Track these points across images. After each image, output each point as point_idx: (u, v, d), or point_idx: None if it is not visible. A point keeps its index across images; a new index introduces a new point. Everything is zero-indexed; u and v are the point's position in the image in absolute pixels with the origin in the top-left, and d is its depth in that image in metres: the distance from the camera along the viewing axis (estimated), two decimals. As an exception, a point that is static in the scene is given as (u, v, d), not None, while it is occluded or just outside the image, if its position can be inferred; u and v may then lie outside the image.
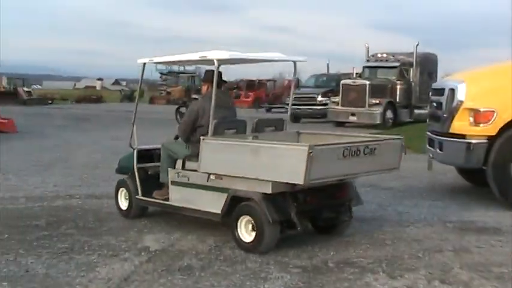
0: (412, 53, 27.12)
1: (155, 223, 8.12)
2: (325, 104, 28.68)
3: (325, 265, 6.45)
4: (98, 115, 33.60)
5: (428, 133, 10.90)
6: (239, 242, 6.92)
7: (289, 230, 6.86)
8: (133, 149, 8.27)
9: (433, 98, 10.91)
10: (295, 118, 30.62)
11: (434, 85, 11.80)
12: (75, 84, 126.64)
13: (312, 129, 24.43)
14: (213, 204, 7.09)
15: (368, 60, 28.56)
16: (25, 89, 50.57)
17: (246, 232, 6.90)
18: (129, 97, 57.19)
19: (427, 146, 10.90)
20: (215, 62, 7.31)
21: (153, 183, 8.05)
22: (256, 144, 6.95)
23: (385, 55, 28.32)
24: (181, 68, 57.92)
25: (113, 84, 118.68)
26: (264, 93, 47.64)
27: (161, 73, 59.73)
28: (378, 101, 26.02)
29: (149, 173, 8.29)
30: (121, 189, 8.45)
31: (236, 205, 6.92)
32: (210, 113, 7.22)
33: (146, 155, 8.38)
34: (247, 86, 49.44)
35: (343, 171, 6.82)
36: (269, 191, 6.61)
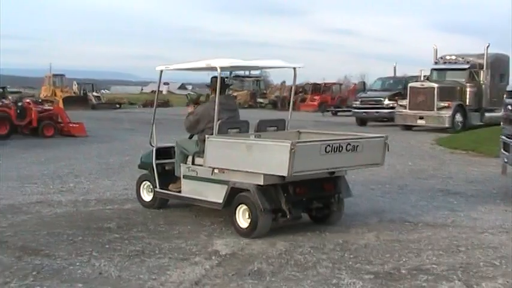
0: (483, 55, 26.43)
1: (225, 227, 8.13)
2: (392, 108, 28.25)
3: (398, 272, 6.32)
4: (165, 119, 33.78)
5: (503, 137, 10.58)
6: (237, 228, 7.77)
7: (282, 218, 7.63)
8: (153, 147, 9.24)
9: (508, 100, 10.59)
10: (361, 121, 30.29)
11: (510, 87, 11.44)
12: (142, 89, 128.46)
13: (374, 132, 24.17)
14: (217, 194, 7.98)
15: (436, 63, 27.98)
16: (94, 93, 51.49)
17: (243, 219, 7.72)
18: (195, 101, 57.63)
19: (502, 150, 10.58)
20: (218, 69, 8.20)
21: (170, 177, 8.94)
22: (249, 142, 7.90)
23: (454, 57, 27.70)
24: (247, 72, 58.22)
25: (179, 88, 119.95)
26: (330, 97, 47.30)
27: (226, 77, 60.13)
28: (447, 104, 25.45)
29: (166, 168, 9.16)
30: (143, 182, 9.44)
31: (235, 195, 7.77)
32: (214, 115, 8.09)
33: (164, 152, 9.31)
34: (313, 89, 49.22)
35: (326, 165, 7.59)
36: (261, 183, 7.46)
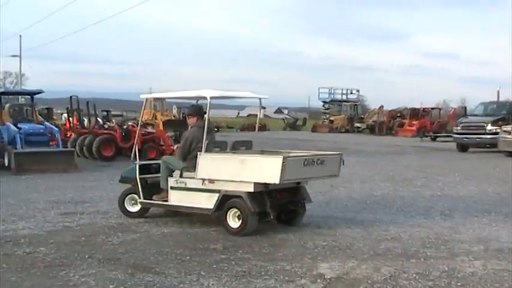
0: None
1: (329, 251, 8.18)
2: (496, 133, 27.47)
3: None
4: (263, 143, 34.35)
5: None
6: (228, 229, 9.28)
7: (264, 219, 9.31)
8: (135, 163, 10.52)
9: None
10: (462, 147, 29.58)
11: None
12: (238, 113, 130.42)
13: (476, 157, 23.45)
14: (207, 202, 9.46)
15: (543, 87, 27.08)
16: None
17: (233, 221, 9.27)
18: (292, 125, 58.04)
19: None
20: (208, 98, 9.79)
21: (152, 189, 10.30)
22: (244, 157, 9.52)
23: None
24: (344, 97, 58.14)
25: (275, 112, 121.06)
26: (429, 122, 46.48)
27: (324, 101, 60.16)
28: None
29: (148, 181, 10.43)
30: (128, 196, 10.60)
31: (226, 201, 9.29)
32: (200, 138, 9.71)
33: (144, 168, 10.57)
34: (411, 114, 48.53)
35: (303, 175, 9.46)
36: (251, 190, 9.07)
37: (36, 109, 26.94)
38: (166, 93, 12.16)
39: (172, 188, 9.93)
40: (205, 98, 9.92)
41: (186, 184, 9.78)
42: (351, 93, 59.45)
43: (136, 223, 10.08)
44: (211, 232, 9.44)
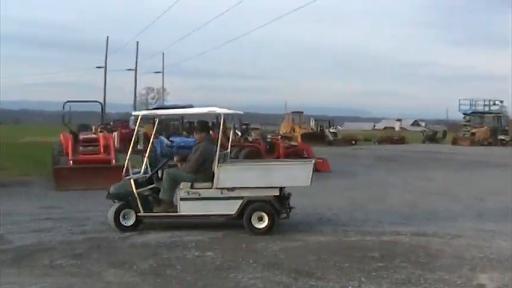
0: None
1: (487, 262, 8.24)
2: None
3: None
4: (403, 156, 34.10)
5: None
6: (252, 229, 10.23)
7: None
8: (129, 179, 10.75)
9: None
10: None
11: None
12: (374, 125, 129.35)
13: None
14: (226, 208, 10.37)
15: None
16: (331, 130, 53.00)
17: (257, 223, 10.26)
18: (431, 138, 56.89)
19: None
20: (221, 115, 11.66)
21: (145, 202, 10.66)
22: (270, 165, 11.29)
23: None
24: (487, 108, 56.30)
25: (412, 125, 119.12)
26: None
27: (464, 113, 58.53)
28: None
29: (145, 194, 10.76)
30: (123, 211, 10.60)
31: (249, 206, 10.26)
32: (211, 152, 10.65)
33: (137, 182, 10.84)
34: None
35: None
36: (277, 194, 10.42)
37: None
38: (170, 110, 13.62)
39: (182, 199, 10.50)
40: (219, 114, 11.52)
41: (200, 194, 10.48)
42: (494, 104, 57.43)
43: (291, 231, 10.53)
44: (366, 241, 9.72)
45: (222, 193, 10.42)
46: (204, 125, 11.41)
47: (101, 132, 21.81)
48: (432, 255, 8.73)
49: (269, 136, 28.57)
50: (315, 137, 49.15)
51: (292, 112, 56.20)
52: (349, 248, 9.24)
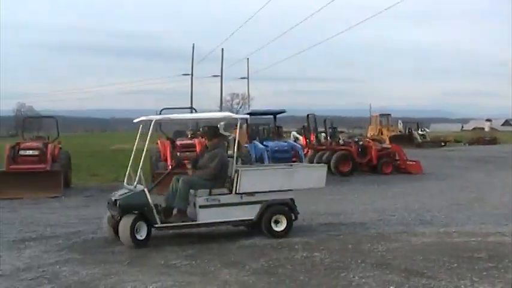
0: None
1: None
2: None
3: None
4: (498, 157, 33.34)
5: None
6: (271, 232, 10.33)
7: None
8: (142, 189, 10.05)
9: None
10: None
11: None
12: (462, 126, 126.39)
13: None
14: (246, 213, 10.30)
15: None
16: (419, 132, 52.28)
17: (276, 226, 10.39)
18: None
19: None
20: (238, 120, 11.12)
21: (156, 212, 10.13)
22: (291, 169, 11.18)
23: None
24: None
25: (503, 125, 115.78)
26: None
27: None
28: None
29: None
30: (137, 224, 9.88)
31: (267, 210, 10.34)
32: (227, 157, 10.66)
33: None
34: None
35: None
36: (292, 196, 10.65)
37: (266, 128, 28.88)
38: (177, 115, 12.37)
39: (202, 206, 10.15)
40: (235, 119, 11.30)
41: (219, 201, 10.24)
42: None
43: (394, 233, 10.66)
44: (471, 242, 9.75)
45: (242, 198, 10.33)
46: (216, 131, 11.06)
47: (192, 137, 22.44)
48: (542, 255, 8.69)
49: (360, 139, 28.56)
50: (403, 139, 48.53)
51: (380, 114, 55.74)
52: (455, 248, 9.29)
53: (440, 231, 10.76)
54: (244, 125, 31.28)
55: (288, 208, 10.60)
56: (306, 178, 10.92)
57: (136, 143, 11.02)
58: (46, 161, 19.35)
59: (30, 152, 19.81)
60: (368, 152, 23.94)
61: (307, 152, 25.87)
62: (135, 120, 11.12)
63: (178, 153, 20.01)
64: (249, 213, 10.36)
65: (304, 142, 28.28)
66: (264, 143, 21.53)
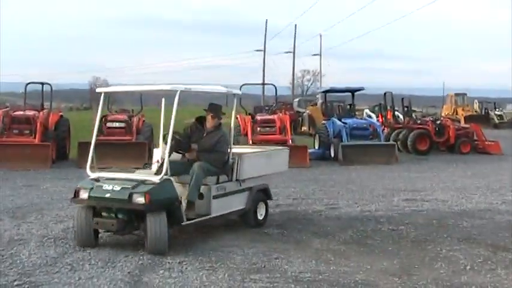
0: None
1: None
2: None
3: None
4: None
5: None
6: (257, 222, 9.40)
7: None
8: (168, 179, 7.91)
9: None
10: None
11: None
12: None
13: None
14: (239, 202, 9.18)
15: None
16: (496, 112, 51.32)
17: (259, 214, 9.48)
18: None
19: None
20: (239, 92, 10.24)
21: None
22: (269, 151, 10.19)
23: None
24: None
25: None
26: None
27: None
28: None
29: None
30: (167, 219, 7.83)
31: (255, 196, 9.38)
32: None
33: None
34: None
35: None
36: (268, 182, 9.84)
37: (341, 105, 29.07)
38: (128, 86, 10.00)
39: (214, 197, 8.67)
40: (175, 91, 8.21)
41: (225, 189, 8.91)
42: None
43: (477, 211, 10.91)
44: None
45: (240, 185, 9.16)
46: (220, 110, 9.16)
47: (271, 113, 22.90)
48: None
49: (437, 118, 28.42)
50: (479, 119, 47.61)
51: (455, 94, 54.90)
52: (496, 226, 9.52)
53: (481, 208, 10.94)
54: (319, 102, 31.56)
55: (267, 194, 9.79)
56: (279, 162, 10.07)
57: (162, 116, 9.04)
58: (131, 133, 20.24)
59: (117, 124, 20.73)
60: (446, 131, 23.88)
61: (383, 129, 25.97)
62: (98, 90, 8.92)
63: (259, 128, 20.59)
64: (242, 201, 9.24)
65: (381, 120, 28.36)
66: (343, 119, 21.76)
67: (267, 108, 27.23)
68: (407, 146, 23.53)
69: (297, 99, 46.45)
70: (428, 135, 23.63)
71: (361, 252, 8.04)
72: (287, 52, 68.45)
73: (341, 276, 6.87)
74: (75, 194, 8.16)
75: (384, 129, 26.01)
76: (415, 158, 21.92)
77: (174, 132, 8.37)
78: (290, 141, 19.76)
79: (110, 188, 7.86)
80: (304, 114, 35.97)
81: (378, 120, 24.53)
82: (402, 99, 27.17)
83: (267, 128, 20.65)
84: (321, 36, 73.86)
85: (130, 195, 7.66)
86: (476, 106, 55.14)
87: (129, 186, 7.75)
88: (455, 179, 15.73)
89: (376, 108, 37.20)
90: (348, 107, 25.52)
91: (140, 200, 7.63)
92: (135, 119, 20.97)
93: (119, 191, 7.78)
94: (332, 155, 20.71)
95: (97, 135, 9.34)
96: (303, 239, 8.78)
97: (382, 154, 20.05)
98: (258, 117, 21.23)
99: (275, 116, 21.58)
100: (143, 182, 7.87)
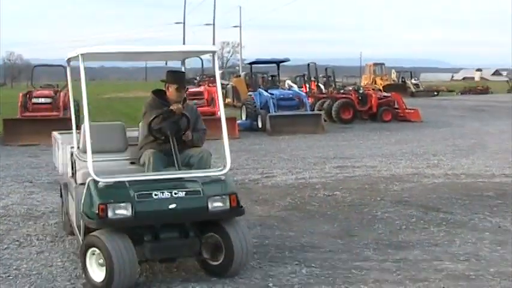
0: None
1: None
2: None
3: None
4: (491, 106, 34.19)
5: None
6: None
7: None
8: (226, 173, 5.96)
9: None
10: None
11: None
12: (452, 76, 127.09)
13: None
14: None
15: None
16: (413, 81, 52.96)
17: None
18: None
19: None
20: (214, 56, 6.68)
21: None
22: None
23: None
24: None
25: (493, 74, 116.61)
26: None
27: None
28: None
29: None
30: None
31: None
32: None
33: None
34: None
35: None
36: None
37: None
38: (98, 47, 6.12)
39: None
40: (214, 52, 6.75)
41: None
42: None
43: (406, 175, 11.47)
44: (478, 183, 10.59)
45: None
46: (185, 78, 6.96)
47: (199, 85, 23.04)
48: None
49: (368, 88, 29.14)
50: (397, 88, 48.82)
51: (374, 63, 56.30)
52: (465, 188, 10.12)
53: (448, 173, 11.57)
54: (243, 74, 31.73)
55: None
56: None
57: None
58: (58, 109, 19.96)
59: (43, 100, 20.43)
60: (368, 100, 24.61)
61: (308, 100, 26.48)
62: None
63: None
64: None
65: (305, 90, 28.92)
66: (269, 91, 22.10)
67: (195, 80, 27.31)
68: (331, 116, 24.14)
69: (220, 71, 46.55)
70: (352, 105, 24.31)
71: (302, 217, 8.39)
72: (207, 24, 68.23)
73: (287, 241, 7.18)
74: (100, 214, 5.42)
75: (308, 100, 26.61)
76: (340, 127, 22.52)
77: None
78: (218, 113, 19.95)
79: (167, 195, 5.58)
80: (228, 86, 36.19)
81: (301, 91, 25.00)
82: (326, 69, 27.79)
83: (195, 101, 20.74)
84: (240, 8, 74.01)
85: (207, 201, 5.70)
86: (394, 75, 56.79)
87: (198, 188, 5.72)
88: (380, 146, 16.35)
89: (298, 79, 37.89)
90: (271, 78, 25.98)
91: (221, 205, 5.75)
92: (61, 94, 20.67)
93: (188, 197, 5.65)
94: (260, 125, 21.03)
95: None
96: (245, 207, 9.03)
97: (309, 124, 20.50)
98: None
99: (202, 88, 21.72)
100: (202, 179, 5.86)
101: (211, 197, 5.70)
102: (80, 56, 5.79)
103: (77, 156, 6.57)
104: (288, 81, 39.32)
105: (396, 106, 25.12)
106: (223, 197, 5.76)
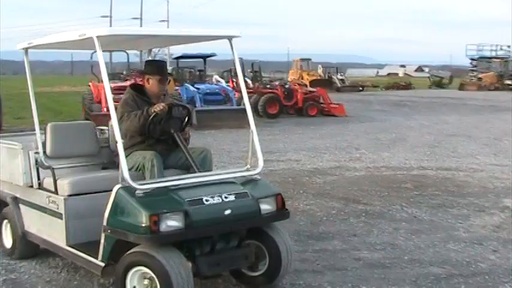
0: None
1: (509, 190, 9.42)
2: None
3: None
4: (414, 101, 35.12)
5: None
6: None
7: None
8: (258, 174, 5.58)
9: None
10: None
11: None
12: (377, 72, 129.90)
13: None
14: None
15: None
16: (339, 76, 53.84)
17: None
18: (437, 84, 57.86)
19: None
20: (95, 38, 4.82)
21: None
22: None
23: None
24: (494, 53, 56.95)
25: (416, 71, 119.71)
26: None
27: (471, 58, 59.11)
28: None
29: None
30: None
31: None
32: None
33: None
34: None
35: None
36: None
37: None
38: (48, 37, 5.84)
39: None
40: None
41: None
42: (501, 49, 58.04)
43: (329, 168, 11.71)
44: (397, 175, 10.92)
45: None
46: (167, 69, 6.69)
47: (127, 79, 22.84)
48: (459, 185, 9.95)
49: (294, 84, 29.44)
50: (323, 83, 49.51)
51: (301, 59, 56.89)
52: (384, 180, 10.42)
53: (369, 166, 11.88)
54: (170, 68, 31.66)
55: None
56: None
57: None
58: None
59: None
60: (294, 95, 24.91)
61: (235, 95, 26.60)
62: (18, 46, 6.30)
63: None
64: None
65: (232, 85, 29.01)
66: (195, 85, 22.09)
67: (122, 75, 27.00)
68: (258, 110, 24.29)
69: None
70: (278, 99, 24.53)
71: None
72: (134, 18, 67.54)
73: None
74: (152, 227, 4.53)
75: (235, 95, 26.73)
76: (266, 121, 22.67)
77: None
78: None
79: (218, 199, 4.91)
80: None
81: (228, 86, 25.10)
82: (252, 64, 27.95)
83: (121, 95, 20.53)
84: (168, 1, 73.52)
85: (258, 204, 5.13)
86: (320, 71, 57.45)
87: (245, 190, 5.15)
88: (305, 140, 16.61)
89: (225, 74, 37.97)
90: (198, 72, 25.95)
91: (270, 207, 5.22)
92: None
93: (239, 201, 5.02)
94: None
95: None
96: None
97: (235, 118, 20.48)
98: (112, 85, 21.06)
99: (129, 83, 21.50)
100: (239, 180, 5.36)
101: (261, 200, 5.13)
102: (95, 38, 4.77)
103: (43, 162, 5.78)
104: (216, 76, 39.42)
105: (322, 101, 25.53)
106: (271, 198, 5.23)
